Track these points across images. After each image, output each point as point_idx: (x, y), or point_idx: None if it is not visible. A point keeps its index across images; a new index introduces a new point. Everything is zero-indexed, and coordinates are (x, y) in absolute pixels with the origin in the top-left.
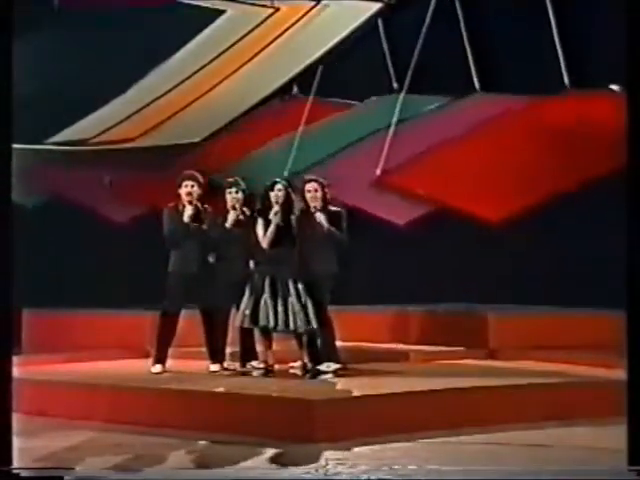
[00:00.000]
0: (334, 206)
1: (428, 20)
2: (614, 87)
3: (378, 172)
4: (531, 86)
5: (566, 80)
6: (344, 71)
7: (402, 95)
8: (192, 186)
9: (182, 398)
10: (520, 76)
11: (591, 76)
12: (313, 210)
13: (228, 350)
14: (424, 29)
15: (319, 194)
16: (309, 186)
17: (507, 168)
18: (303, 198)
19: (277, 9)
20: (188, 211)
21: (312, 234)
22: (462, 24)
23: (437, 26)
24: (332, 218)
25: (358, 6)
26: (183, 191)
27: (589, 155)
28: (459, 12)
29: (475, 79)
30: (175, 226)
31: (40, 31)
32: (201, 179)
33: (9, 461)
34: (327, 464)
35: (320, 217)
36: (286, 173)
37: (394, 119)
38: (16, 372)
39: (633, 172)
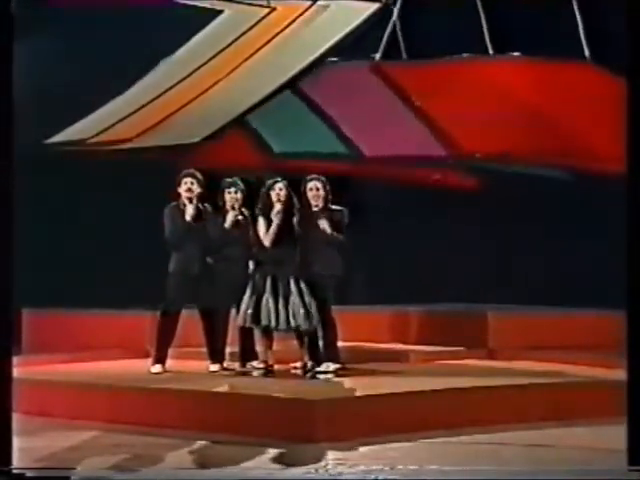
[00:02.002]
0: (335, 204)
1: None
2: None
3: (377, 56)
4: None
5: (586, 52)
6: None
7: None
8: (192, 183)
9: (182, 398)
10: (535, 44)
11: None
12: (315, 209)
13: (228, 350)
14: None
15: (321, 192)
16: (311, 184)
17: (497, 110)
18: (305, 197)
19: (274, 9)
20: (189, 210)
21: (314, 234)
22: None
23: None
24: (333, 218)
25: (356, 6)
26: (183, 188)
27: (585, 131)
28: None
29: (488, 44)
30: (177, 226)
31: (40, 31)
32: (200, 177)
33: (9, 461)
34: (327, 464)
35: (323, 224)
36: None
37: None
38: (16, 372)
39: (633, 171)
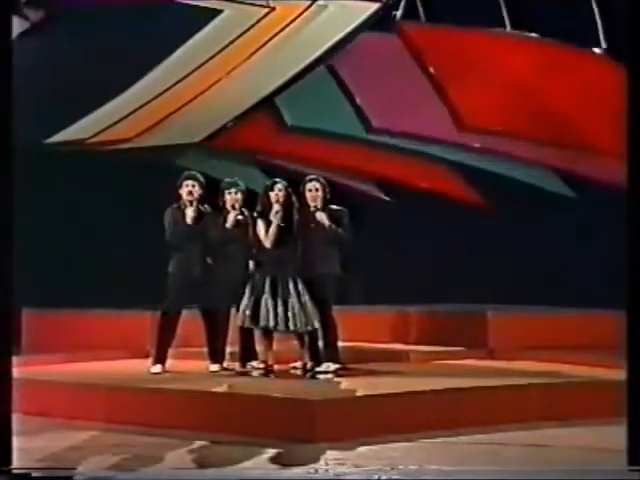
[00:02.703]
0: (336, 205)
1: None
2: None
3: (398, 14)
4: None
5: (603, 43)
6: None
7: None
8: (193, 185)
9: (182, 398)
10: (555, 27)
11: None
12: (313, 209)
13: (228, 350)
14: None
15: (320, 193)
16: (310, 185)
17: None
18: (304, 197)
19: (273, 9)
20: (190, 213)
21: (313, 234)
22: None
23: None
24: (334, 217)
25: (356, 6)
26: (184, 191)
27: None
28: None
29: (506, 19)
30: (178, 227)
31: (40, 31)
32: (202, 179)
33: (9, 461)
34: (327, 464)
35: (321, 216)
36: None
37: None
38: (16, 372)
39: (633, 168)
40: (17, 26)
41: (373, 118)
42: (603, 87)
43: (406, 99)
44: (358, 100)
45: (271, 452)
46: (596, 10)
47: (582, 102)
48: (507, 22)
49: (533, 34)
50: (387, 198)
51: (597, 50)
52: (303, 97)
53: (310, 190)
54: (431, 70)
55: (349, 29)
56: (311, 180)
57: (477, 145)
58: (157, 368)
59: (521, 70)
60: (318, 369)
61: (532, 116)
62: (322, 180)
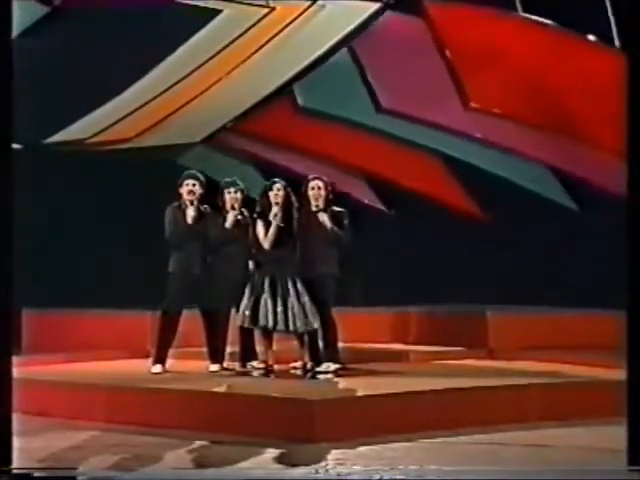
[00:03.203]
0: (336, 205)
1: None
2: None
3: None
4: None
5: (617, 41)
6: None
7: None
8: (194, 185)
9: (182, 398)
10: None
11: None
12: (315, 209)
13: (228, 350)
14: None
15: (322, 192)
16: (313, 184)
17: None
18: (305, 196)
19: (273, 9)
20: (190, 212)
21: (314, 234)
22: None
23: None
24: (335, 218)
25: (356, 6)
26: (185, 190)
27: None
28: None
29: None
30: (178, 226)
31: (40, 31)
32: (202, 178)
33: (9, 461)
34: (327, 464)
35: (323, 217)
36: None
37: None
38: (16, 372)
39: (633, 167)
40: (38, 11)
41: (384, 100)
42: (615, 81)
43: (421, 82)
44: (372, 83)
45: (271, 452)
46: (609, 8)
47: (589, 95)
48: (519, 7)
49: (549, 21)
50: (386, 203)
51: (612, 44)
52: (318, 80)
53: (312, 189)
54: (447, 52)
55: (349, 29)
56: (314, 179)
57: (480, 136)
58: (157, 368)
59: (532, 56)
60: (318, 369)
61: (538, 104)
62: (325, 179)
